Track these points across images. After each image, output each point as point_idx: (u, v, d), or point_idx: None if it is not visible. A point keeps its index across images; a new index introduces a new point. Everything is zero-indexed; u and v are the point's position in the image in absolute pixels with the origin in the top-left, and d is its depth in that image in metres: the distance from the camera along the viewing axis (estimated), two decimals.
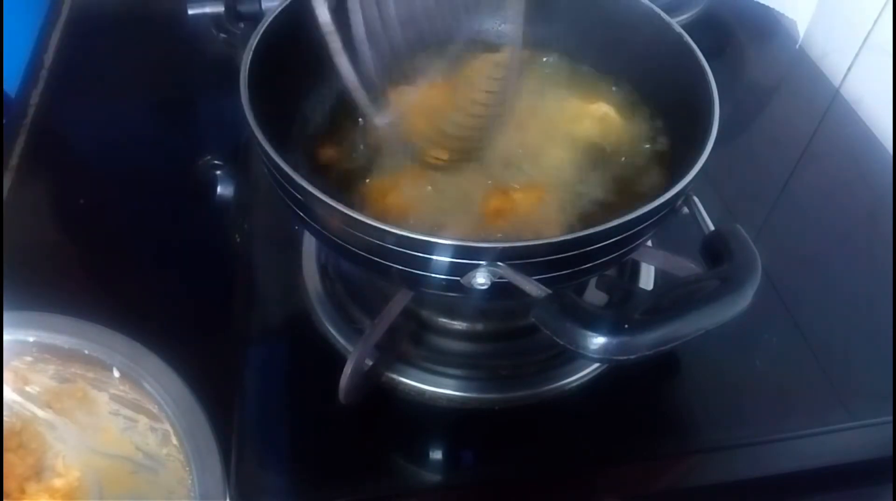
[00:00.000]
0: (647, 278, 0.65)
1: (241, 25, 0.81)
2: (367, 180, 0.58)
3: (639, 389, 0.60)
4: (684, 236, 0.54)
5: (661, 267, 0.63)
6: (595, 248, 0.47)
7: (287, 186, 0.50)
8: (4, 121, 0.74)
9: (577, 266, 0.48)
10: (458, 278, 0.47)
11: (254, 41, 0.56)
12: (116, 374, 0.46)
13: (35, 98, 0.79)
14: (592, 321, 0.42)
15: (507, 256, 0.46)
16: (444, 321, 0.62)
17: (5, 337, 0.46)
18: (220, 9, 0.83)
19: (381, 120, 0.58)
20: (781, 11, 0.91)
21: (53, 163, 0.75)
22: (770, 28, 0.94)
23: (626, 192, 0.59)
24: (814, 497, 0.57)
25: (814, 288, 0.68)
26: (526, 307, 0.47)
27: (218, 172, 0.73)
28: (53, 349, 0.47)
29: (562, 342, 0.43)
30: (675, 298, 0.45)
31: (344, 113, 0.62)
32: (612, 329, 0.42)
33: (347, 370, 0.54)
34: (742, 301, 0.45)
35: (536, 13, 0.68)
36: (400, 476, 0.57)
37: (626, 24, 0.63)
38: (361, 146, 0.60)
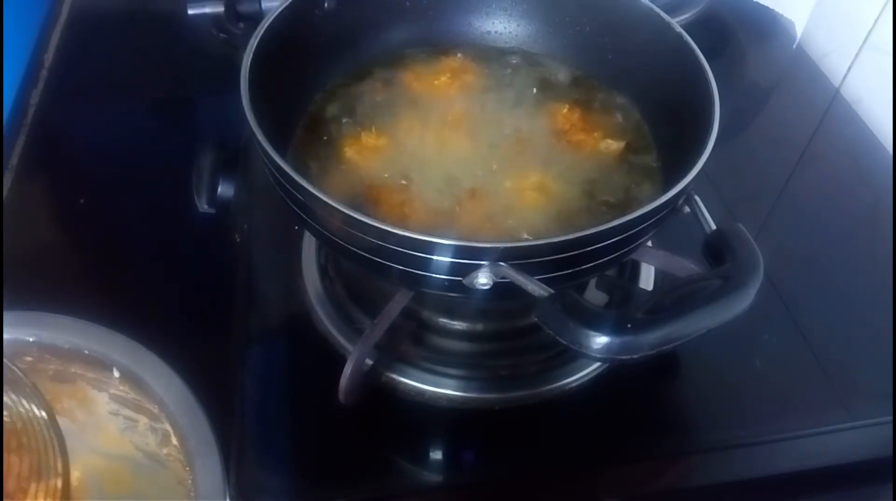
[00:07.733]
0: (647, 278, 0.65)
1: (241, 25, 0.81)
2: (369, 179, 0.58)
3: (639, 389, 0.60)
4: (684, 237, 0.54)
5: (662, 267, 0.63)
6: (597, 247, 0.47)
7: (287, 186, 0.50)
8: (4, 121, 0.74)
9: (578, 266, 0.48)
10: (459, 279, 0.47)
11: (254, 41, 0.56)
12: (116, 374, 0.46)
13: (35, 98, 0.79)
14: (595, 321, 0.42)
15: (509, 256, 0.46)
16: (444, 320, 0.62)
17: (5, 337, 0.46)
18: (220, 9, 0.83)
19: None
20: (780, 12, 0.91)
21: (53, 163, 0.74)
22: (769, 28, 0.94)
23: (624, 193, 0.59)
24: (814, 497, 0.57)
25: (814, 288, 0.68)
26: (526, 307, 0.47)
27: (218, 173, 0.73)
28: (53, 349, 0.46)
29: (564, 342, 0.43)
30: (677, 297, 0.45)
31: (344, 112, 0.62)
32: (615, 329, 0.42)
33: (347, 370, 0.54)
34: (744, 300, 0.45)
35: (535, 13, 0.69)
36: (400, 476, 0.57)
37: (626, 24, 0.63)
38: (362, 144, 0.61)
